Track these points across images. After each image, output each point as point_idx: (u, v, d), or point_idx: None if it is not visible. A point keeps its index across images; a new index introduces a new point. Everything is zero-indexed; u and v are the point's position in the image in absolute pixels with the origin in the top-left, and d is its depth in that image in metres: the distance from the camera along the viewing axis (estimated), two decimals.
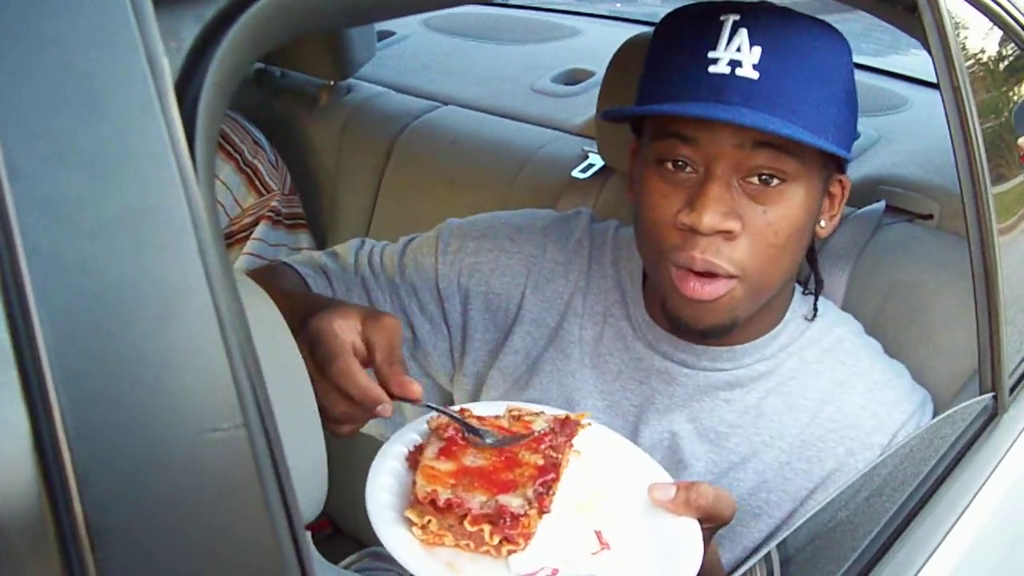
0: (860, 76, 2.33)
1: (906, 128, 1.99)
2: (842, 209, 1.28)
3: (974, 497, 1.26)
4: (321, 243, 2.21)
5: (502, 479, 1.03)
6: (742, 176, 1.15)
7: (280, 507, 0.55)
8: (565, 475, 1.08)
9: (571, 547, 1.02)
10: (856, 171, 1.81)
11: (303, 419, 0.93)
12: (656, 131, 1.18)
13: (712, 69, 1.12)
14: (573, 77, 2.36)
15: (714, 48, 1.13)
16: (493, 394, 1.37)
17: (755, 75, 1.11)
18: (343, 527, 2.17)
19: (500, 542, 0.98)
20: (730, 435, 1.27)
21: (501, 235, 1.42)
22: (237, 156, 2.08)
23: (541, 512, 1.00)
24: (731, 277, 1.16)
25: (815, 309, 1.32)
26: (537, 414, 1.13)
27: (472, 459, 1.06)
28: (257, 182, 2.09)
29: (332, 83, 2.26)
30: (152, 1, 0.53)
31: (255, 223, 2.08)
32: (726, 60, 1.12)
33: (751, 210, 1.15)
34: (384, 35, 2.61)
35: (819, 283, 1.34)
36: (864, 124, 2.02)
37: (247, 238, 2.08)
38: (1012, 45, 1.58)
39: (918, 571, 1.14)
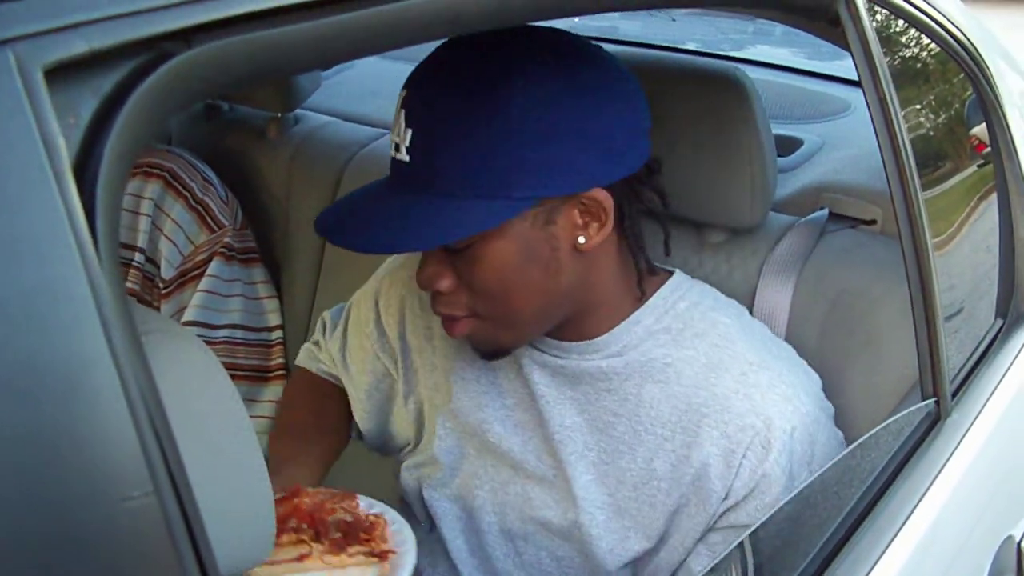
0: (804, 82, 2.39)
1: (849, 133, 2.01)
2: (606, 224, 1.23)
3: (918, 503, 1.27)
4: (276, 276, 2.21)
5: None
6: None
7: (196, 569, 0.56)
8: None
9: None
10: (799, 179, 1.84)
11: (244, 460, 0.93)
12: None
13: (391, 153, 1.19)
14: None
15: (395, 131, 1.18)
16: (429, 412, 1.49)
17: (407, 158, 1.16)
18: None
19: None
20: (615, 423, 1.31)
21: (382, 272, 1.56)
22: (187, 194, 2.09)
23: None
24: (468, 317, 1.24)
25: (641, 290, 1.32)
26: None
27: None
28: (208, 219, 2.09)
29: (279, 115, 2.27)
30: (46, 78, 0.54)
31: (209, 259, 2.09)
32: (394, 144, 1.18)
33: (462, 264, 1.20)
34: None
35: (640, 264, 1.33)
36: (808, 131, 2.06)
37: (202, 275, 2.08)
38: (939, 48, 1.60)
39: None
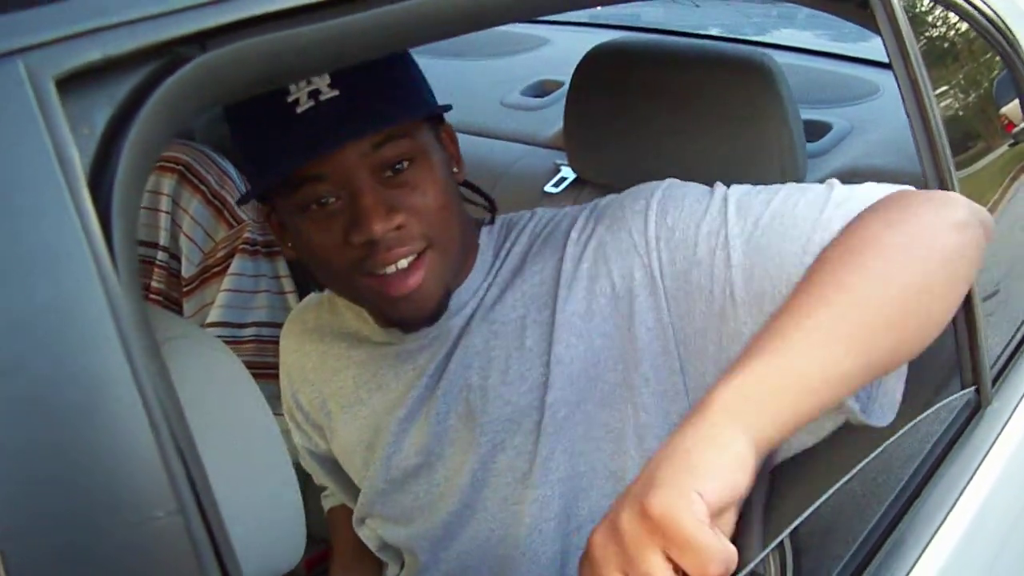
0: (831, 65, 2.36)
1: (879, 116, 1.99)
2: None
3: (961, 493, 1.25)
4: (301, 273, 2.20)
5: None
6: (379, 175, 1.18)
7: None
8: None
9: None
10: (831, 163, 1.82)
11: (273, 467, 0.92)
12: (288, 185, 1.19)
13: (300, 110, 1.13)
14: (543, 88, 2.35)
15: (288, 92, 1.14)
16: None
17: (336, 92, 1.14)
18: None
19: None
20: (495, 346, 1.29)
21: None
22: (204, 188, 2.05)
23: None
24: (422, 252, 1.21)
25: (492, 218, 1.38)
26: None
27: None
28: (226, 213, 2.06)
29: None
30: (58, 88, 0.53)
31: (230, 255, 2.06)
32: (305, 94, 1.14)
33: (402, 195, 1.19)
34: None
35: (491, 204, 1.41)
36: (837, 115, 2.03)
37: (224, 271, 2.06)
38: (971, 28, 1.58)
39: (909, 571, 1.13)
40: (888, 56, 1.26)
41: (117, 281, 0.53)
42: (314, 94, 1.13)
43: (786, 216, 1.11)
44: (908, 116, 1.27)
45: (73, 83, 0.54)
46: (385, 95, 1.18)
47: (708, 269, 1.14)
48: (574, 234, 1.27)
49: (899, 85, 1.26)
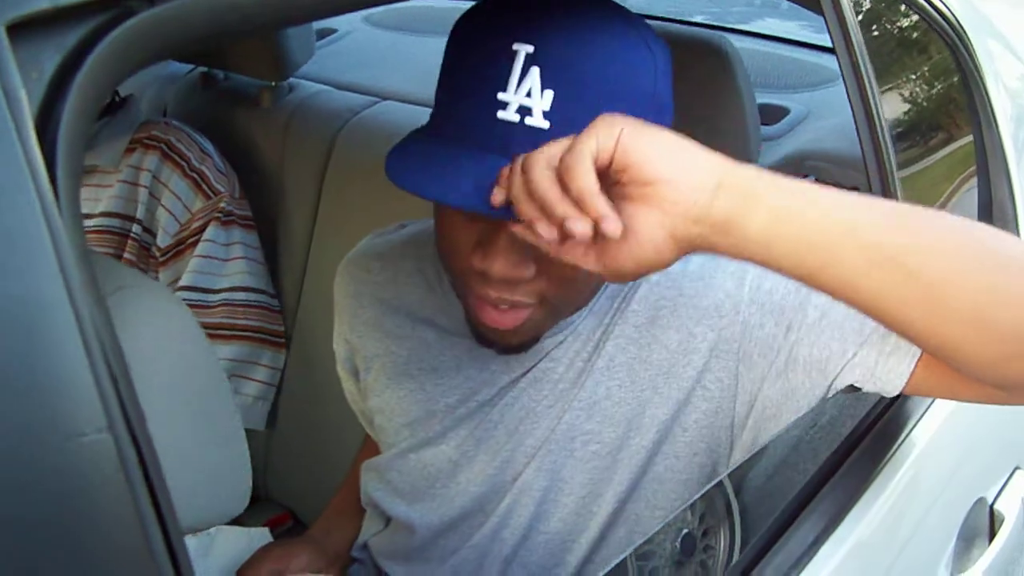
0: (791, 52, 2.40)
1: (834, 102, 2.03)
2: None
3: (889, 458, 1.29)
4: (272, 245, 2.23)
5: None
6: None
7: (150, 507, 0.58)
8: None
9: None
10: (784, 147, 1.86)
11: (219, 416, 0.95)
12: None
13: (501, 115, 1.00)
14: None
15: (504, 88, 1.00)
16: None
17: (545, 124, 0.99)
18: (304, 520, 2.20)
19: None
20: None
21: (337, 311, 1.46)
22: (183, 163, 2.11)
23: None
24: (533, 305, 1.11)
25: None
26: None
27: None
28: (204, 186, 2.11)
29: (273, 84, 2.29)
30: (8, 34, 0.57)
31: (205, 226, 2.11)
32: (515, 106, 0.99)
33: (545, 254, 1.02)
34: (325, 33, 2.63)
35: None
36: (794, 100, 2.08)
37: (198, 242, 2.11)
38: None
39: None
40: (831, 39, 1.30)
41: (59, 214, 0.56)
42: (523, 111, 0.99)
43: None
44: (849, 100, 1.31)
45: (24, 30, 0.58)
46: None
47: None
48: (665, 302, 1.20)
49: (841, 70, 1.31)
